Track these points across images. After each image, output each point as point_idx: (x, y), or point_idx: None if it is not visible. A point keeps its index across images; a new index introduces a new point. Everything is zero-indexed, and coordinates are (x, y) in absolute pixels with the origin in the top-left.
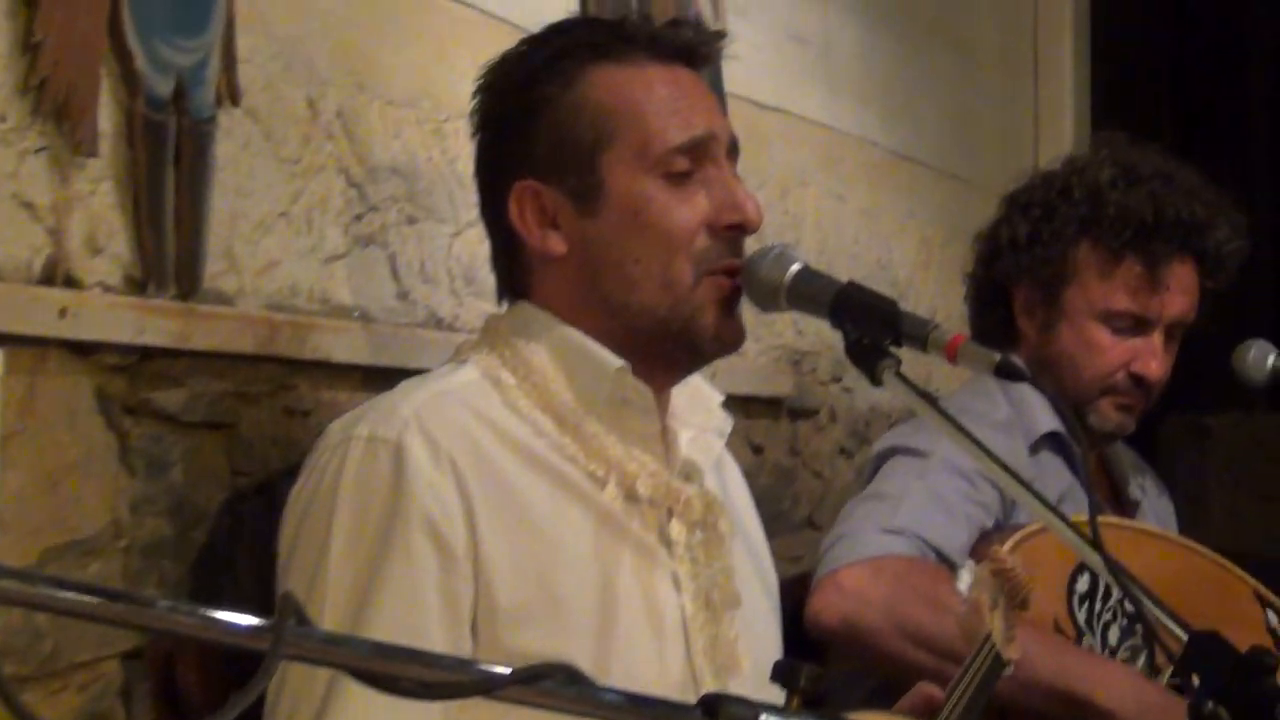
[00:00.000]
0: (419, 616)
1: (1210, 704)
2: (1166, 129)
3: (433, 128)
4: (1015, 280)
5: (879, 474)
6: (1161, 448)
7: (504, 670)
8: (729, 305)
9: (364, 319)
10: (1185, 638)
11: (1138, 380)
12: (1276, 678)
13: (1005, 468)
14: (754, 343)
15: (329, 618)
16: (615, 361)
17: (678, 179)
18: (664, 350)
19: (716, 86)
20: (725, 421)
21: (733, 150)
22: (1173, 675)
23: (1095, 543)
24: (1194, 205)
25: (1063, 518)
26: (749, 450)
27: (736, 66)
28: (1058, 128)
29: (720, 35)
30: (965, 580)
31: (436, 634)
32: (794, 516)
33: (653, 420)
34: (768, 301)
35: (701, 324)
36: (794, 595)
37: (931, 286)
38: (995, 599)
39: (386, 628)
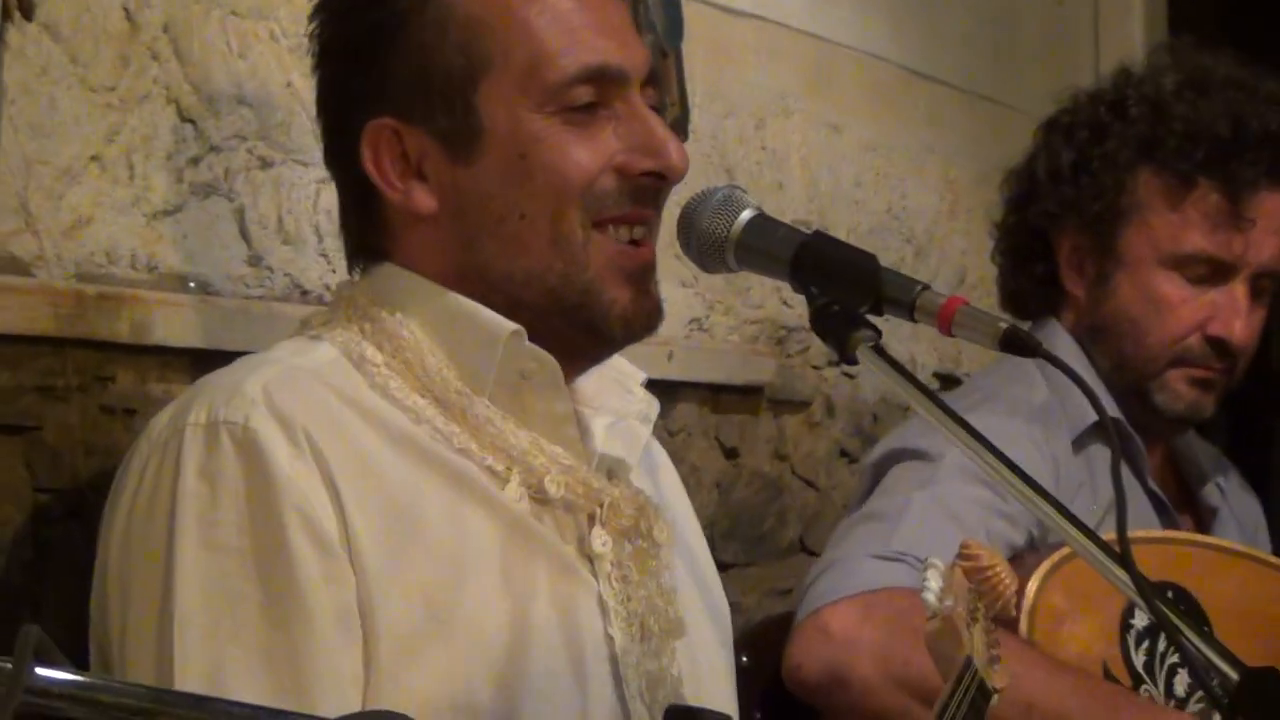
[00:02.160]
0: (309, 633)
1: None
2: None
3: (291, 45)
4: (1059, 224)
5: (878, 486)
6: (1277, 450)
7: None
8: (638, 274)
9: (204, 291)
10: (1238, 676)
11: (1217, 345)
12: None
13: (1007, 462)
14: (724, 316)
15: (189, 658)
16: (508, 326)
17: (578, 115)
18: (559, 331)
19: None
20: (649, 404)
21: (655, 71)
22: None
23: (1124, 559)
24: None
25: (1091, 534)
26: (721, 454)
27: None
28: (1123, 35)
29: None
30: (933, 585)
31: (338, 660)
32: (780, 538)
33: (561, 398)
34: (712, 260)
35: (602, 297)
36: (779, 640)
37: (959, 240)
38: (973, 610)
39: (272, 660)
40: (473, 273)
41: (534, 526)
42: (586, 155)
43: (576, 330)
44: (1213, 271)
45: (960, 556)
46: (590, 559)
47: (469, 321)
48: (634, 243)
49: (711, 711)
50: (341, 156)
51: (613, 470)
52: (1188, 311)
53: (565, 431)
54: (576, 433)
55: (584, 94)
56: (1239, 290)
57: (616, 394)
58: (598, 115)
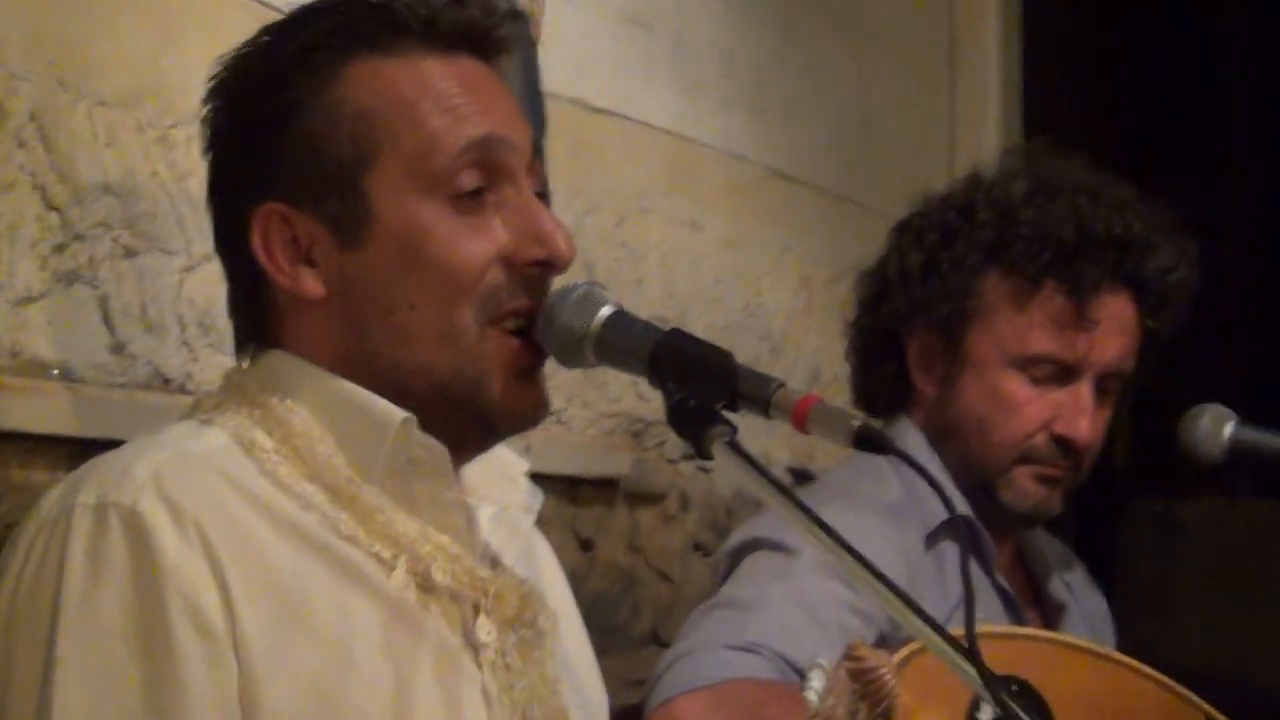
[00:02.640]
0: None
1: None
2: (1117, 145)
3: (157, 135)
4: (908, 324)
5: (732, 575)
6: (1120, 545)
7: None
8: (523, 367)
9: (67, 378)
10: None
11: (1063, 444)
12: None
13: (858, 558)
14: (582, 409)
15: None
16: (398, 414)
17: (466, 202)
18: (446, 421)
19: (532, 83)
20: (533, 496)
21: (535, 162)
22: None
23: (971, 653)
24: (1129, 222)
25: (938, 628)
26: (577, 545)
27: (561, 59)
28: (978, 137)
29: (515, 15)
30: (815, 685)
31: None
32: (634, 630)
33: (448, 485)
34: (572, 356)
35: (489, 390)
36: None
37: (814, 338)
38: (854, 710)
39: None
40: (360, 360)
41: (419, 615)
42: (476, 248)
43: (463, 420)
44: (1058, 372)
45: (846, 658)
46: (475, 649)
47: (359, 409)
48: (521, 333)
49: None
50: (231, 240)
51: (496, 559)
52: (1033, 411)
53: (452, 519)
54: (463, 521)
55: (470, 179)
56: (1084, 390)
57: (500, 484)
58: (485, 203)
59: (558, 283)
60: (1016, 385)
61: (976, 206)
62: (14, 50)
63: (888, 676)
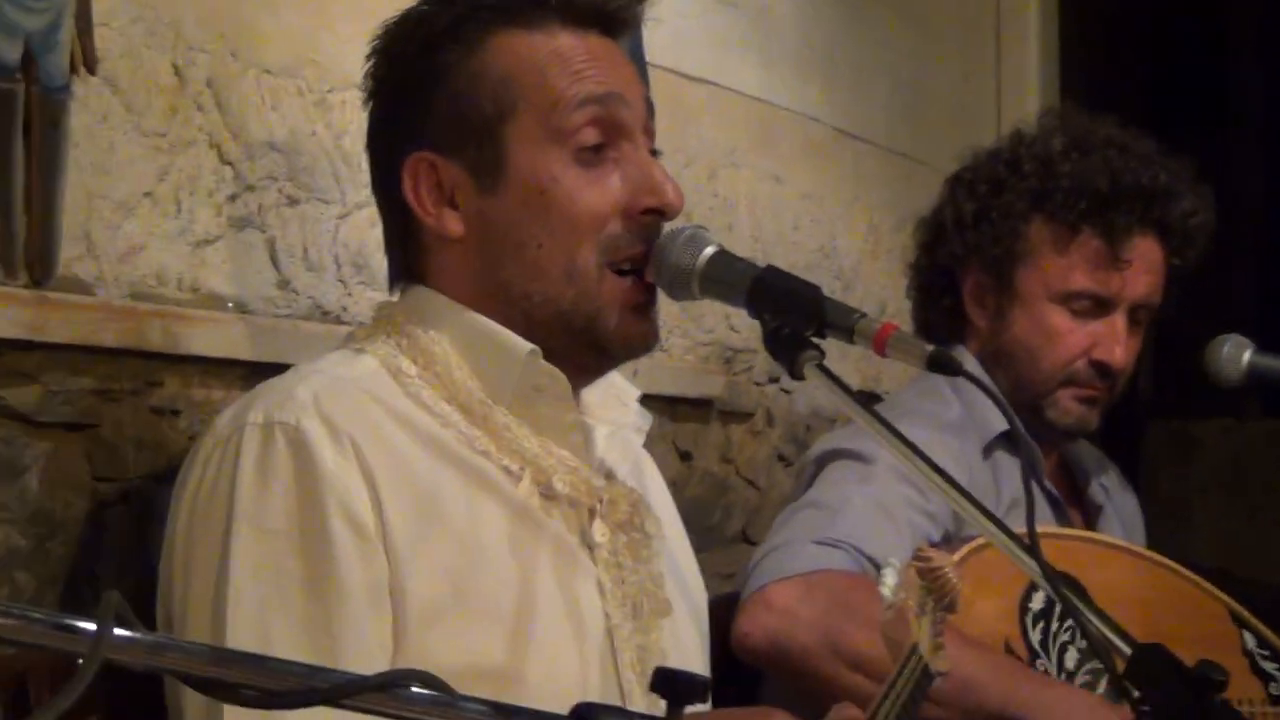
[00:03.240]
0: (345, 606)
1: None
2: (1142, 105)
3: (315, 99)
4: (963, 264)
5: (817, 480)
6: (1143, 459)
7: (356, 676)
8: (639, 303)
9: (239, 310)
10: (1129, 652)
11: (1100, 368)
12: (1228, 696)
13: (935, 468)
14: (681, 338)
15: (240, 624)
16: (525, 346)
17: (588, 156)
18: (568, 347)
19: (637, 56)
20: (643, 418)
21: (649, 123)
22: (1112, 693)
23: (1033, 549)
24: (1155, 173)
25: (1003, 526)
26: (676, 457)
27: (660, 33)
28: (1021, 103)
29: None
30: (889, 581)
31: (368, 629)
32: (726, 530)
33: (568, 409)
34: (680, 289)
35: (606, 321)
36: (725, 616)
37: (880, 277)
38: (922, 603)
39: (311, 628)
40: (495, 291)
41: (542, 519)
42: (596, 198)
43: (582, 347)
44: (1095, 305)
45: (916, 558)
46: (590, 548)
47: (491, 341)
48: (637, 273)
49: (692, 674)
50: (385, 184)
51: (610, 472)
52: (1075, 340)
53: (571, 438)
54: (581, 439)
55: (591, 135)
56: (1119, 321)
57: (615, 407)
58: (605, 158)
59: (666, 227)
60: (1059, 318)
61: (1021, 160)
62: (191, 26)
63: (951, 574)
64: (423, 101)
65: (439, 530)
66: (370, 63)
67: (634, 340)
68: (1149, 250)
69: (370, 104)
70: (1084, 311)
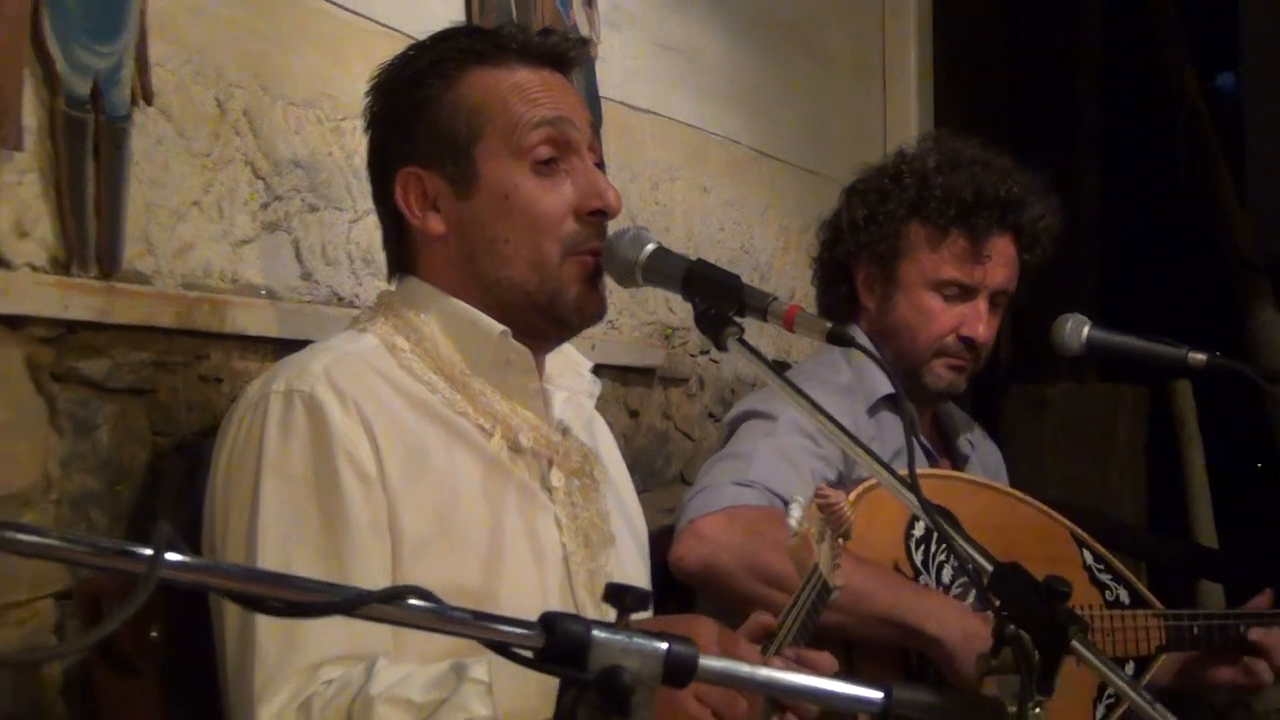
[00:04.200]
0: (352, 537)
1: (1012, 627)
2: (1003, 129)
3: (331, 126)
4: (856, 259)
5: (733, 436)
6: (1003, 416)
7: (364, 590)
8: (591, 281)
9: (271, 296)
10: (991, 570)
11: (967, 342)
12: (1072, 604)
13: (835, 423)
14: (629, 319)
15: (267, 552)
16: (497, 327)
17: (543, 169)
18: (533, 321)
19: (592, 91)
20: (594, 385)
21: (594, 141)
22: (978, 602)
23: (914, 487)
24: (1010, 185)
25: (889, 468)
26: (626, 414)
27: (612, 73)
28: (904, 128)
29: (585, 42)
30: (795, 514)
31: (372, 555)
32: (667, 473)
33: (533, 378)
34: (626, 277)
35: (565, 298)
36: (666, 542)
37: (790, 270)
38: (822, 531)
39: (325, 555)
40: (472, 279)
41: (509, 467)
42: (552, 202)
43: (544, 319)
44: (962, 292)
45: (817, 495)
46: (549, 490)
47: (470, 322)
48: (591, 254)
49: (638, 588)
50: (382, 193)
51: (566, 429)
52: (945, 319)
53: (535, 402)
54: (542, 403)
55: (545, 151)
56: (981, 304)
57: (571, 376)
58: (558, 170)
59: (612, 227)
60: (933, 302)
61: (903, 175)
62: (230, 67)
63: (846, 508)
64: (410, 126)
65: (425, 476)
66: (369, 96)
67: (588, 310)
68: (1005, 248)
69: (369, 130)
70: (953, 297)
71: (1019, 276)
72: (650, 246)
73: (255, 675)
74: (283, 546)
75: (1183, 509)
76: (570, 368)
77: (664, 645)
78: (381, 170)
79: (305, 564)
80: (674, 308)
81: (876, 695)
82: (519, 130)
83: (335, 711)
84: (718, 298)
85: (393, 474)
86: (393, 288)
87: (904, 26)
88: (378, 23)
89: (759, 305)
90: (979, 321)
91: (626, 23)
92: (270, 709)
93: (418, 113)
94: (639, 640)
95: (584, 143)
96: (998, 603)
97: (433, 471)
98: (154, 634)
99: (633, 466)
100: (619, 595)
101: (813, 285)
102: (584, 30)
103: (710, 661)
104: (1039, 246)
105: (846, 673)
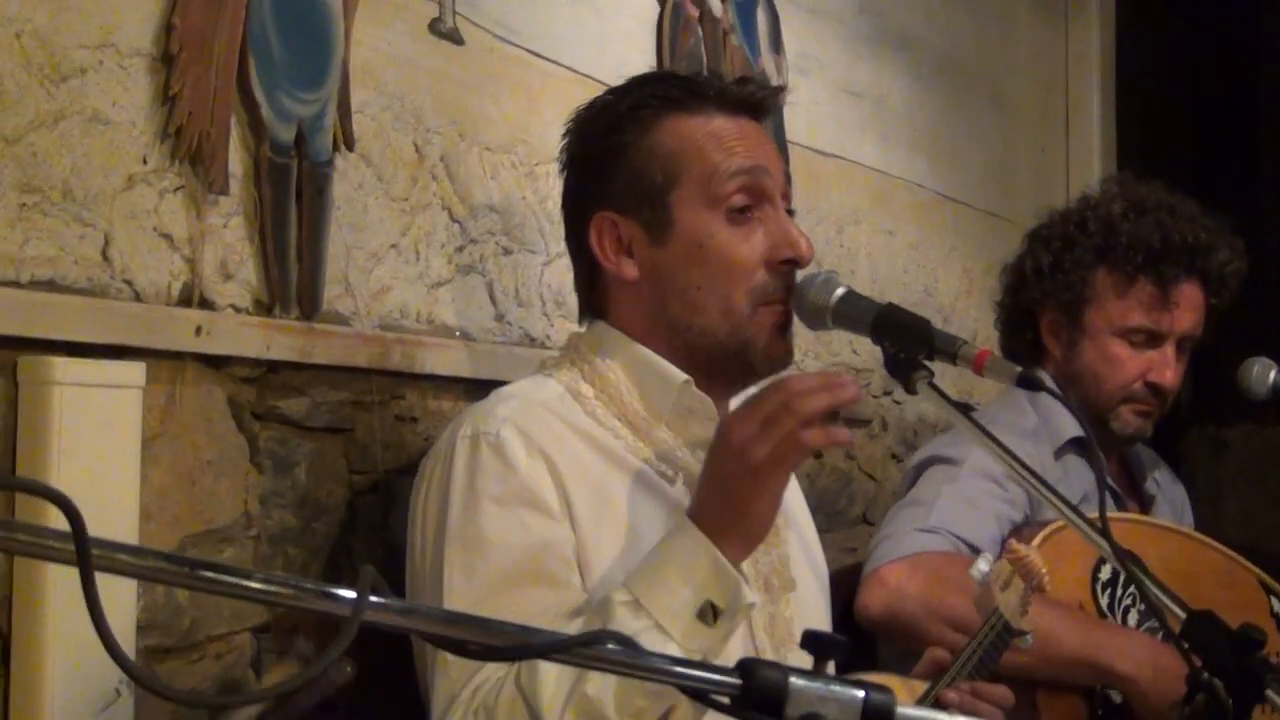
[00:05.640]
0: (537, 565)
1: (1205, 675)
2: (1185, 173)
3: (525, 171)
4: (1041, 305)
5: (918, 482)
6: (1184, 457)
7: (561, 635)
8: (781, 329)
9: (465, 338)
10: (1184, 616)
11: (1154, 389)
12: (1264, 652)
13: (1025, 467)
14: (814, 360)
15: (456, 582)
16: (680, 376)
17: (737, 217)
18: (722, 367)
19: (780, 135)
20: None
21: (787, 189)
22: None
23: (1105, 533)
24: (1197, 231)
25: (1079, 513)
26: (810, 456)
27: (799, 118)
28: (1086, 171)
29: (780, 90)
30: (980, 568)
31: (559, 568)
32: (850, 514)
33: (713, 427)
34: (816, 321)
35: (756, 346)
36: (849, 582)
37: (973, 312)
38: (1007, 581)
39: (513, 574)
40: (663, 324)
41: None
42: (745, 251)
43: (733, 365)
44: (1149, 339)
45: (1008, 550)
46: None
47: (654, 370)
48: (780, 303)
49: (834, 635)
50: (576, 237)
51: None
52: (1133, 366)
53: None
54: None
55: (740, 199)
56: (1169, 350)
57: None
58: (751, 218)
59: (802, 273)
60: (1120, 349)
61: (1088, 221)
62: (429, 113)
63: (1037, 560)
64: (606, 171)
65: (611, 518)
66: (565, 140)
67: (776, 358)
68: (1193, 294)
69: (564, 173)
70: (1140, 343)
71: (1205, 322)
72: (840, 290)
73: (439, 692)
74: (468, 577)
75: None
76: None
77: (861, 693)
78: (576, 213)
79: (487, 590)
80: (858, 349)
81: None
82: (715, 179)
83: (507, 691)
84: (907, 341)
85: (580, 513)
86: (582, 330)
87: (1087, 71)
88: (572, 70)
89: (949, 349)
90: (1167, 368)
91: (814, 69)
92: (453, 718)
93: (614, 157)
94: (836, 688)
95: (778, 191)
96: (1187, 648)
97: (618, 515)
98: (349, 670)
99: (816, 507)
100: (816, 643)
101: (996, 330)
102: (772, 76)
103: (908, 710)
104: (1226, 291)
105: (1030, 715)
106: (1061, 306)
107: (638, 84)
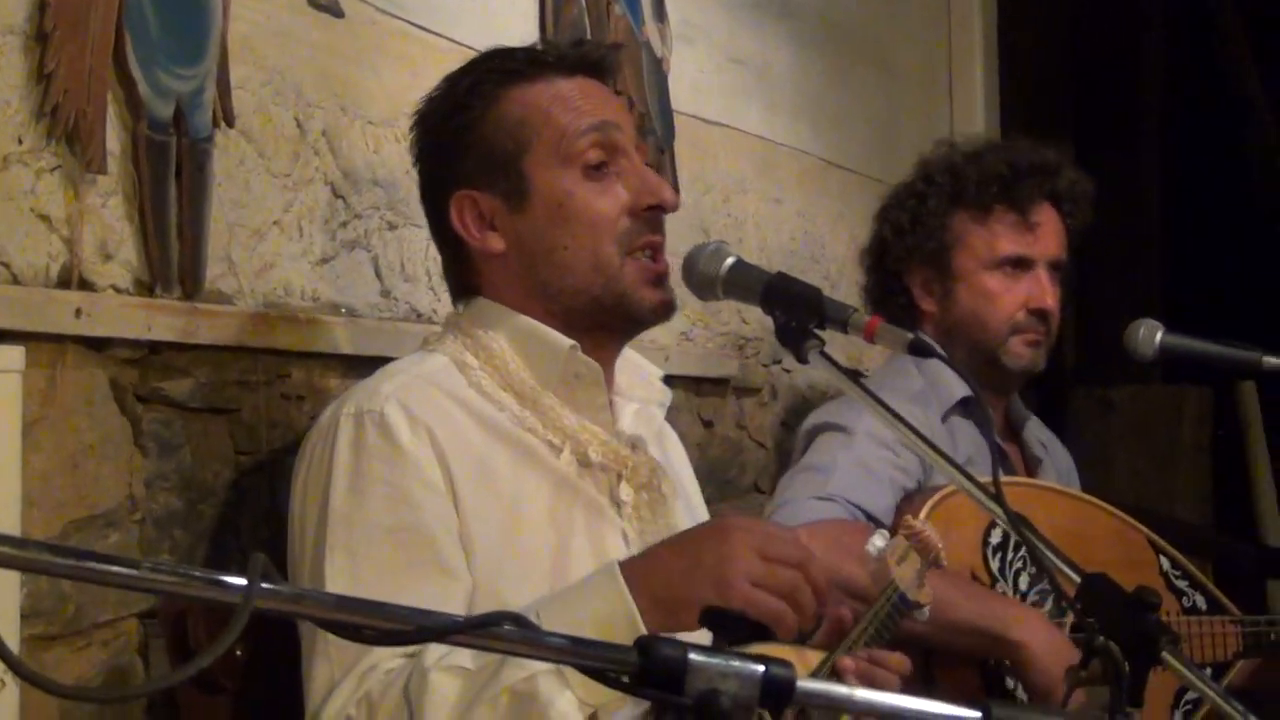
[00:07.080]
0: (426, 548)
1: (1101, 638)
2: (1067, 133)
3: (408, 144)
4: (907, 264)
5: (810, 448)
6: (1070, 418)
7: (457, 618)
8: (655, 284)
9: (350, 314)
10: (1078, 580)
11: (1038, 314)
12: (1159, 614)
13: (917, 434)
14: (703, 330)
15: (338, 565)
16: (566, 342)
17: (594, 174)
18: (604, 322)
19: (664, 104)
20: (665, 394)
21: (641, 142)
22: (1057, 609)
23: (997, 497)
24: (1041, 153)
25: (970, 477)
26: (700, 425)
27: (683, 86)
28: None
29: (617, 47)
30: (876, 544)
31: (449, 553)
32: (742, 482)
33: (601, 392)
34: (706, 291)
35: (633, 296)
36: None
37: (861, 279)
38: (903, 556)
39: (400, 559)
40: (537, 291)
41: (578, 483)
42: (607, 204)
43: (614, 317)
44: (1021, 265)
45: (903, 526)
46: (618, 505)
47: (538, 337)
48: (652, 258)
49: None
50: (439, 222)
51: (636, 443)
52: (1012, 296)
53: (603, 416)
54: (611, 417)
55: (594, 155)
56: (1042, 274)
57: (641, 386)
58: (608, 173)
59: (689, 238)
60: (995, 282)
61: (933, 174)
62: (309, 88)
63: (933, 536)
64: (457, 151)
65: (489, 492)
66: (413, 133)
67: (657, 307)
68: (1050, 215)
69: (417, 164)
70: (1013, 273)
71: (1067, 245)
72: (730, 260)
73: (319, 677)
74: (350, 564)
75: (1249, 509)
76: (641, 378)
77: (761, 668)
78: (435, 199)
79: (371, 580)
80: (747, 318)
81: (975, 715)
82: (566, 139)
83: (393, 695)
84: (798, 311)
85: (461, 489)
86: (459, 310)
87: (969, 35)
88: (455, 41)
89: (840, 318)
90: (1045, 293)
91: (698, 37)
92: (333, 707)
93: (463, 136)
94: (736, 663)
95: (631, 145)
96: (1081, 611)
97: (499, 491)
98: (239, 653)
99: (708, 476)
100: (716, 618)
101: (865, 311)
102: (656, 44)
103: (808, 684)
104: (1079, 211)
105: (924, 681)
106: (928, 259)
107: (474, 63)
